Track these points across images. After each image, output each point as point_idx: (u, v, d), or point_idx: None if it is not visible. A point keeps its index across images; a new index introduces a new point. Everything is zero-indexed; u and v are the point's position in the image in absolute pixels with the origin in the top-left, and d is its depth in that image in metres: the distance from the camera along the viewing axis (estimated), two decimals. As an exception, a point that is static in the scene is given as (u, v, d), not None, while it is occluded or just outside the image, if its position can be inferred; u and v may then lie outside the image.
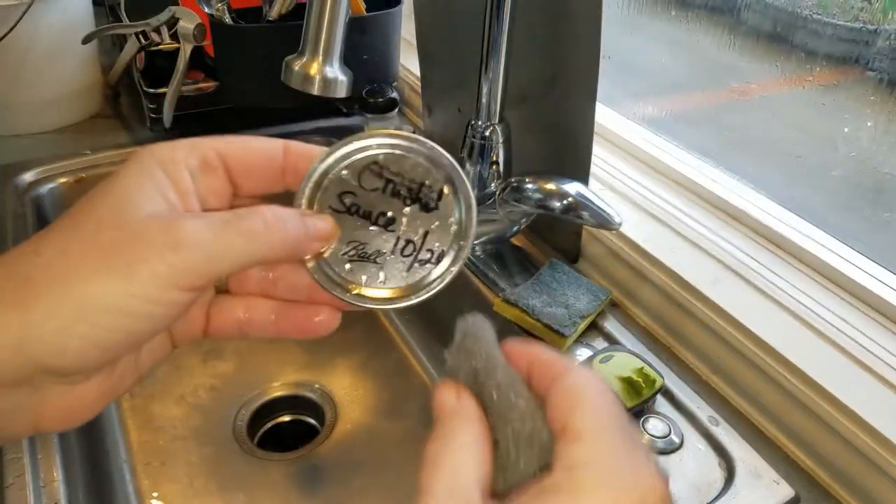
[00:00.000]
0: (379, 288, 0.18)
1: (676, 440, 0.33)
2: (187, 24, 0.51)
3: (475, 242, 0.44)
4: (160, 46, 0.54)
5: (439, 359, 0.47)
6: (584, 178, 0.41)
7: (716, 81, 0.48)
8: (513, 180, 0.39)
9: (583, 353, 0.38)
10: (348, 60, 0.32)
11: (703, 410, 0.34)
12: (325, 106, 0.57)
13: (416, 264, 0.18)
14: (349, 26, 0.32)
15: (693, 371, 0.37)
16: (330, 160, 0.18)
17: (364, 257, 0.18)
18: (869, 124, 0.38)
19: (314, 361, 0.47)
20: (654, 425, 0.33)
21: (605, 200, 0.37)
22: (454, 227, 0.18)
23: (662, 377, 0.35)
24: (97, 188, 0.16)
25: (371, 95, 0.55)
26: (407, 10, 0.58)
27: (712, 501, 0.30)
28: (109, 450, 0.41)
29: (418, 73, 0.55)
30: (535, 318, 0.38)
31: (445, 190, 0.18)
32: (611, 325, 0.40)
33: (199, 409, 0.44)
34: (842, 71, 0.39)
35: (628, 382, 0.34)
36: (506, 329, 0.39)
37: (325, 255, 0.18)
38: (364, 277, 0.18)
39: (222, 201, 0.17)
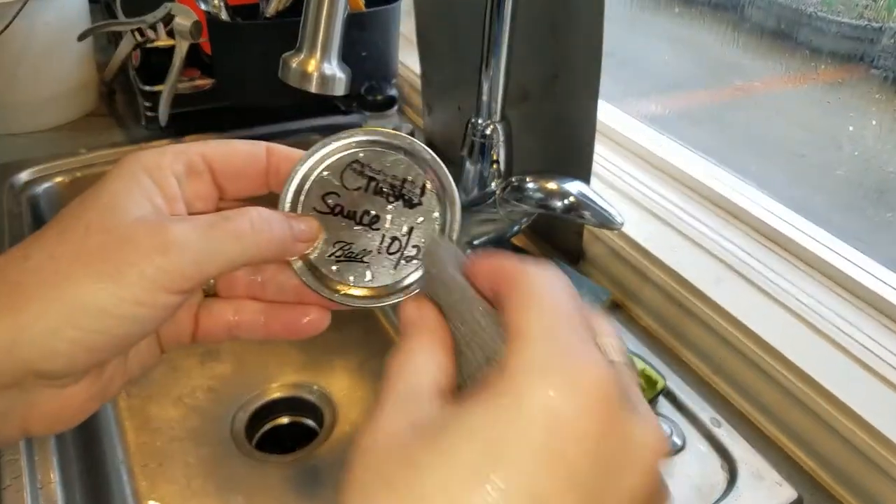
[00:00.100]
0: (367, 287, 0.18)
1: (678, 442, 0.33)
2: (183, 21, 0.51)
3: (476, 242, 0.44)
4: (156, 44, 0.54)
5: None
6: (585, 177, 0.40)
7: (719, 79, 0.47)
8: (513, 179, 0.39)
9: (584, 353, 0.37)
10: (347, 57, 0.32)
11: (705, 412, 0.34)
12: (324, 104, 0.56)
13: (403, 261, 0.18)
14: (348, 22, 0.31)
15: (695, 372, 0.37)
16: (310, 162, 0.18)
17: (351, 257, 0.18)
18: (873, 123, 0.38)
19: (313, 363, 0.47)
20: (656, 427, 0.33)
21: (606, 200, 0.36)
22: (439, 222, 0.18)
23: (664, 378, 0.35)
24: (85, 194, 0.16)
25: (370, 93, 0.55)
26: (406, 6, 0.57)
27: (715, 503, 0.30)
28: (107, 451, 0.41)
29: (418, 71, 0.55)
30: (536, 319, 0.37)
31: (428, 185, 0.18)
32: (612, 325, 0.39)
33: (197, 411, 0.44)
34: (846, 69, 0.38)
35: (630, 384, 0.34)
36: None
37: (312, 256, 0.18)
38: (351, 277, 0.18)
39: (208, 205, 0.18)
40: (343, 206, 0.18)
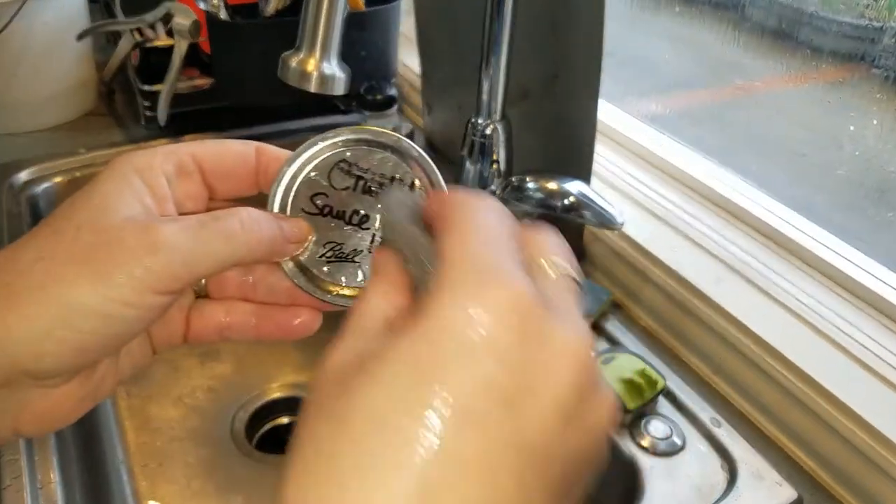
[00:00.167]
0: (359, 287, 0.18)
1: (678, 442, 0.33)
2: (182, 21, 0.51)
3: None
4: (155, 43, 0.54)
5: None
6: (585, 176, 0.40)
7: (720, 78, 0.47)
8: (513, 179, 0.39)
9: (584, 354, 0.37)
10: (346, 57, 0.32)
11: (705, 412, 0.34)
12: (323, 103, 0.56)
13: None
14: (347, 22, 0.31)
15: (695, 372, 0.37)
16: (297, 163, 0.18)
17: (342, 257, 0.18)
18: (874, 122, 0.37)
19: (312, 363, 0.47)
20: (656, 427, 0.33)
21: (606, 200, 0.36)
22: None
23: (664, 378, 0.34)
24: (76, 194, 0.16)
25: (369, 93, 0.55)
26: (406, 5, 0.57)
27: (715, 503, 0.30)
28: (107, 451, 0.41)
29: (417, 70, 0.55)
30: (536, 319, 0.37)
31: (417, 182, 0.18)
32: (612, 325, 0.39)
33: (197, 411, 0.44)
34: (847, 68, 0.38)
35: (630, 384, 0.34)
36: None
37: (302, 257, 0.18)
38: (343, 278, 0.18)
39: (199, 205, 0.18)
40: (332, 207, 0.18)
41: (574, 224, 0.42)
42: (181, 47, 0.51)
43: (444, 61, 0.51)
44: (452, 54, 0.49)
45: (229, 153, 0.18)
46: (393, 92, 0.58)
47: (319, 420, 0.12)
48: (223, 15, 0.53)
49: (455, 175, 0.43)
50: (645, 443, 0.33)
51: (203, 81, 0.55)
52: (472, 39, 0.38)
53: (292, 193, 0.18)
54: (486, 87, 0.38)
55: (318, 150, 0.18)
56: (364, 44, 0.55)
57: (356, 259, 0.18)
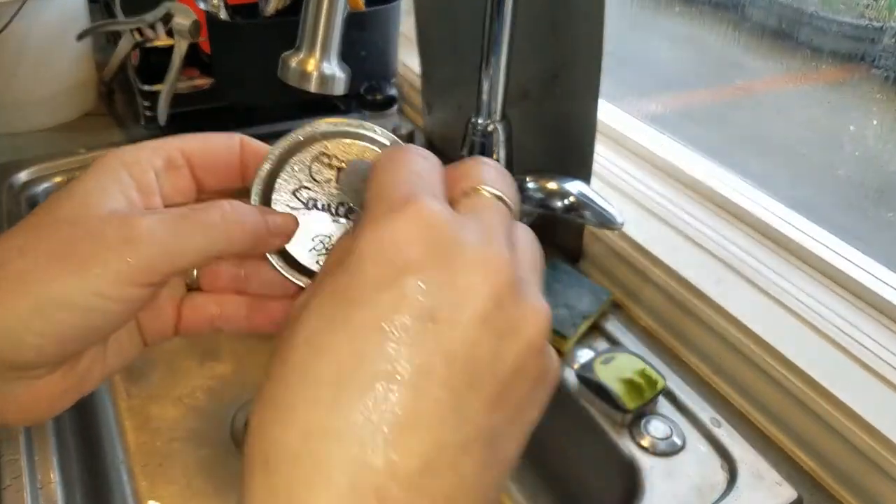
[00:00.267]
0: None
1: (678, 442, 0.33)
2: (182, 21, 0.51)
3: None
4: (155, 43, 0.53)
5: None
6: (586, 176, 0.40)
7: (720, 78, 0.47)
8: (513, 179, 0.39)
9: (584, 354, 0.37)
10: (346, 57, 0.31)
11: (705, 412, 0.34)
12: (323, 103, 0.56)
13: None
14: (347, 22, 0.31)
15: (695, 372, 0.37)
16: (277, 158, 0.18)
17: (331, 249, 0.18)
18: (875, 122, 0.37)
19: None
20: (656, 427, 0.33)
21: (607, 200, 0.36)
22: None
23: (664, 378, 0.34)
24: (61, 190, 0.16)
25: (369, 93, 0.55)
26: (406, 5, 0.57)
27: (714, 503, 0.30)
28: (107, 451, 0.41)
29: (417, 70, 0.55)
30: (536, 319, 0.37)
31: None
32: (612, 325, 0.39)
33: (197, 411, 0.44)
34: (847, 68, 0.38)
35: (630, 384, 0.34)
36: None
37: (292, 251, 0.18)
38: None
39: (188, 198, 0.18)
40: (317, 200, 0.18)
41: (574, 224, 0.42)
42: (181, 47, 0.51)
43: (444, 61, 0.51)
44: (452, 54, 0.49)
45: (216, 146, 0.18)
46: (393, 92, 0.58)
47: (273, 355, 0.14)
48: (223, 15, 0.53)
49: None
50: (645, 443, 0.33)
51: (203, 81, 0.55)
52: (472, 39, 0.38)
53: (274, 189, 0.18)
54: (486, 86, 0.38)
55: (297, 144, 0.18)
56: (364, 44, 0.55)
57: None
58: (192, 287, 0.19)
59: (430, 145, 0.56)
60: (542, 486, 0.40)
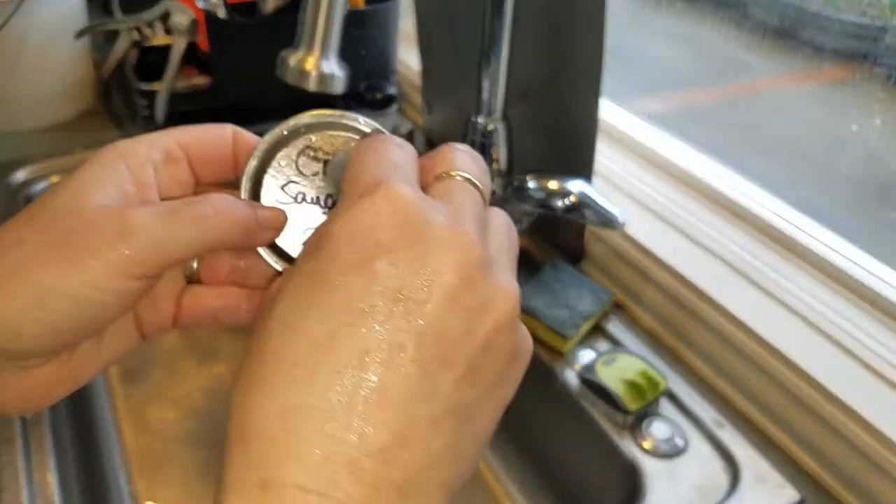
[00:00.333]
0: None
1: (680, 443, 0.32)
2: (181, 19, 0.50)
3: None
4: (153, 42, 0.53)
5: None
6: (587, 176, 0.40)
7: (722, 77, 0.47)
8: (514, 179, 0.39)
9: (586, 354, 0.37)
10: (346, 55, 0.31)
11: (707, 413, 0.34)
12: (322, 102, 0.56)
13: None
14: (347, 20, 0.31)
15: (698, 374, 0.37)
16: (264, 155, 0.18)
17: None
18: (877, 122, 0.37)
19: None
20: (658, 428, 0.33)
21: (608, 199, 0.36)
22: None
23: (666, 380, 0.34)
24: (57, 183, 0.16)
25: (369, 91, 0.54)
26: (406, 3, 0.57)
27: (717, 506, 0.30)
28: (104, 452, 0.40)
29: (417, 69, 0.54)
30: (537, 320, 0.37)
31: None
32: (614, 326, 0.39)
33: (195, 412, 0.43)
34: (850, 67, 0.38)
35: (632, 385, 0.34)
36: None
37: (284, 245, 0.18)
38: None
39: (186, 190, 0.18)
40: (305, 194, 0.18)
41: (575, 224, 0.42)
42: (179, 46, 0.51)
43: (444, 60, 0.51)
44: (452, 53, 0.49)
45: (211, 137, 0.18)
46: (392, 91, 0.57)
47: (251, 336, 0.14)
48: (222, 13, 0.53)
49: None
50: (647, 444, 0.33)
51: (201, 80, 0.54)
52: (472, 37, 0.38)
53: (263, 184, 0.18)
54: (486, 85, 0.38)
55: (282, 139, 0.18)
56: (364, 42, 0.54)
57: None
58: (193, 279, 0.19)
59: (430, 145, 0.56)
60: (543, 486, 0.40)
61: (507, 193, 0.39)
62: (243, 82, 0.53)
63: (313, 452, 0.12)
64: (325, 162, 0.18)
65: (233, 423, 0.13)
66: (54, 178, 0.51)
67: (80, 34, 0.54)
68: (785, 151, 0.43)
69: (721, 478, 0.31)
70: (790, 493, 0.30)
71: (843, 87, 0.39)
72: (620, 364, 0.35)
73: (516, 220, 0.42)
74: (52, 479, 0.30)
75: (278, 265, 0.18)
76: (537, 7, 0.39)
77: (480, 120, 0.39)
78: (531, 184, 0.37)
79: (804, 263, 0.38)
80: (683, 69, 0.50)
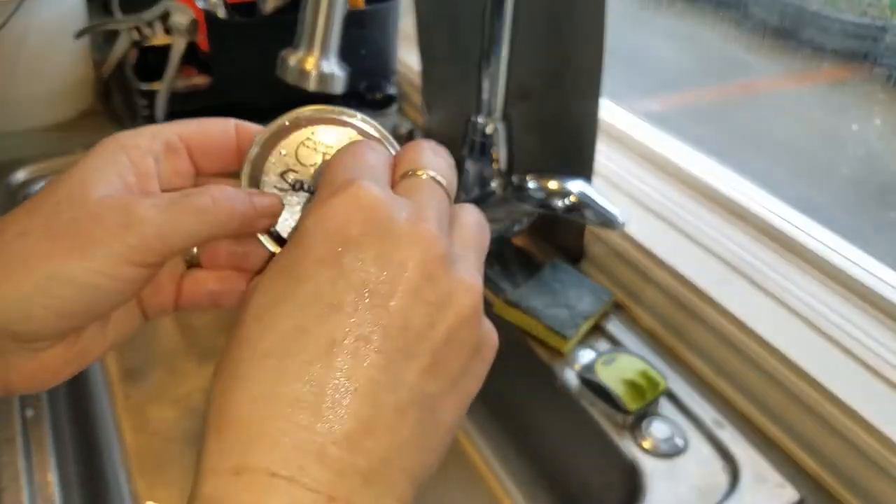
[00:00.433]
0: None
1: (680, 443, 0.33)
2: (181, 19, 0.50)
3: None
4: (153, 42, 0.53)
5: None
6: (587, 176, 0.40)
7: (722, 77, 0.47)
8: (514, 178, 0.39)
9: (585, 354, 0.37)
10: (346, 55, 0.31)
11: (707, 413, 0.34)
12: (322, 102, 0.56)
13: None
14: (347, 20, 0.31)
15: (697, 373, 0.37)
16: (266, 143, 0.18)
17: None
18: (877, 122, 0.37)
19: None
20: (658, 428, 0.33)
21: (608, 199, 0.36)
22: None
23: (666, 379, 0.34)
24: (62, 173, 0.17)
25: (369, 91, 0.54)
26: (406, 3, 0.57)
27: (717, 505, 0.30)
28: (104, 453, 0.41)
29: (417, 69, 0.54)
30: (537, 320, 0.37)
31: None
32: (614, 326, 0.39)
33: (195, 412, 0.44)
34: (849, 67, 0.38)
35: (632, 385, 0.34)
36: (504, 328, 0.39)
37: (280, 230, 0.18)
38: None
39: (186, 181, 0.19)
40: (303, 182, 0.19)
41: (575, 224, 0.42)
42: (179, 46, 0.51)
43: (444, 60, 0.51)
44: (452, 53, 0.49)
45: (212, 130, 0.19)
46: (392, 90, 0.57)
47: (230, 329, 0.15)
48: (221, 13, 0.53)
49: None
50: (646, 444, 0.33)
51: (201, 80, 0.54)
52: (472, 37, 0.38)
53: (263, 171, 0.18)
54: (486, 85, 0.38)
55: (284, 129, 0.19)
56: (363, 42, 0.54)
57: None
58: (193, 264, 0.19)
59: (430, 144, 0.56)
60: (543, 486, 0.40)
61: (507, 193, 0.39)
62: (243, 82, 0.53)
63: (283, 440, 0.13)
64: (324, 154, 0.19)
65: (210, 413, 0.14)
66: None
67: (80, 34, 0.54)
68: (785, 151, 0.43)
69: (721, 477, 0.31)
70: (790, 493, 0.30)
71: (843, 87, 0.39)
72: (620, 364, 0.35)
73: (516, 220, 0.42)
74: (52, 478, 0.30)
75: (276, 250, 0.18)
76: (537, 7, 0.39)
77: (480, 120, 0.39)
78: (531, 184, 0.38)
79: (804, 263, 0.38)
80: (683, 69, 0.50)
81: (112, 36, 0.55)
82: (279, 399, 0.13)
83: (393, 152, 0.19)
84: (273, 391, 0.13)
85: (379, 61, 0.57)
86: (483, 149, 0.40)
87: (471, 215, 0.17)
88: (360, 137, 0.19)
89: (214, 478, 0.13)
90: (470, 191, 0.42)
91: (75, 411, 0.38)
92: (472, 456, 0.42)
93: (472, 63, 0.38)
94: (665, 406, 0.34)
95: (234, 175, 0.19)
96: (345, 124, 0.19)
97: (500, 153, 0.40)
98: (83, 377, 0.44)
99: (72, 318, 0.16)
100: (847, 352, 0.33)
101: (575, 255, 0.44)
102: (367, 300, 0.14)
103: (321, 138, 0.19)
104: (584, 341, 0.38)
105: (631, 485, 0.32)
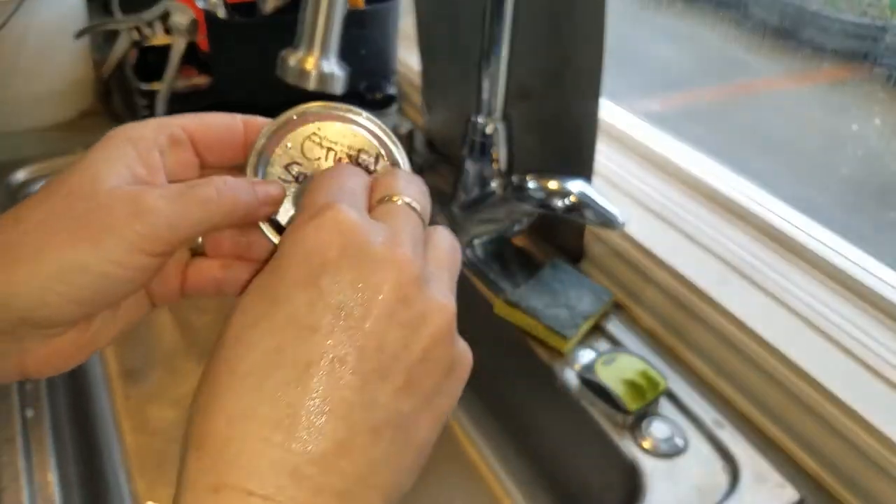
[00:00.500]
0: None
1: (680, 443, 0.33)
2: (181, 19, 0.50)
3: (476, 242, 0.44)
4: (153, 42, 0.53)
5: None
6: (587, 176, 0.40)
7: (722, 77, 0.47)
8: (514, 178, 0.39)
9: (585, 354, 0.37)
10: (346, 55, 0.31)
11: (707, 413, 0.34)
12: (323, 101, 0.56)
13: None
14: (347, 20, 0.31)
15: (697, 373, 0.37)
16: (272, 135, 0.19)
17: None
18: (877, 122, 0.37)
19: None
20: (658, 428, 0.33)
21: (608, 199, 0.36)
22: None
23: (666, 379, 0.34)
24: (73, 162, 0.17)
25: (369, 91, 0.54)
26: (406, 3, 0.57)
27: (716, 505, 0.30)
28: (104, 453, 0.40)
29: (417, 69, 0.54)
30: (537, 320, 0.37)
31: (382, 154, 0.20)
32: (614, 326, 0.39)
33: (196, 412, 0.43)
34: (850, 67, 0.38)
35: (631, 385, 0.34)
36: (504, 328, 0.39)
37: (283, 220, 0.19)
38: None
39: (191, 173, 0.19)
40: (307, 175, 0.19)
41: (575, 224, 0.42)
42: (179, 46, 0.51)
43: (444, 60, 0.51)
44: (453, 52, 0.49)
45: (217, 125, 0.19)
46: (392, 90, 0.57)
47: (213, 348, 0.15)
48: (221, 13, 0.53)
49: (455, 174, 0.43)
50: (646, 444, 0.33)
51: (201, 80, 0.54)
52: (472, 37, 0.38)
53: (269, 162, 0.19)
54: (486, 85, 0.38)
55: (291, 122, 0.19)
56: (364, 42, 0.54)
57: None
58: (197, 252, 0.20)
59: (430, 145, 0.56)
60: (543, 486, 0.40)
61: (507, 193, 0.39)
62: (243, 82, 0.53)
63: (260, 460, 0.13)
64: (329, 149, 0.19)
65: (190, 430, 0.14)
66: (54, 178, 0.51)
67: (80, 34, 0.54)
68: (784, 151, 0.43)
69: (721, 477, 0.31)
70: (790, 493, 0.30)
71: (843, 87, 0.39)
72: (620, 364, 0.35)
73: (516, 220, 0.42)
74: (52, 478, 0.30)
75: (276, 238, 0.19)
76: (537, 7, 0.39)
77: (480, 120, 0.39)
78: (531, 184, 0.38)
79: (804, 263, 0.38)
80: (683, 69, 0.50)
81: (112, 36, 0.55)
82: (257, 419, 0.14)
83: (396, 150, 0.19)
84: (251, 411, 0.14)
85: (379, 61, 0.57)
86: (483, 149, 0.40)
87: (444, 238, 0.18)
88: (364, 134, 0.19)
89: (193, 494, 0.13)
90: (470, 191, 0.42)
91: (75, 411, 0.38)
92: (471, 456, 0.42)
93: (472, 63, 0.38)
94: (665, 406, 0.34)
95: (237, 168, 0.19)
96: (350, 121, 0.19)
97: (500, 153, 0.40)
98: (83, 377, 0.44)
99: (85, 306, 0.17)
100: (847, 352, 0.33)
101: (575, 255, 0.44)
102: (342, 322, 0.14)
103: (326, 134, 0.19)
104: (584, 341, 0.38)
105: (631, 485, 0.32)
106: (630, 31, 0.50)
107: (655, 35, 0.50)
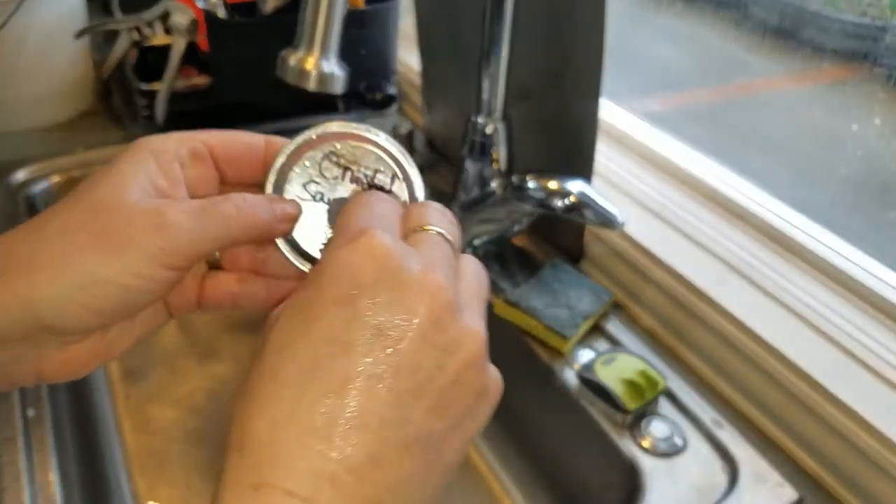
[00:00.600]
0: None
1: (679, 443, 0.33)
2: (181, 19, 0.50)
3: (476, 242, 0.44)
4: (153, 42, 0.53)
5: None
6: (587, 176, 0.40)
7: (722, 77, 0.47)
8: (514, 178, 0.39)
9: (585, 354, 0.37)
10: (346, 55, 0.31)
11: (706, 413, 0.34)
12: (322, 102, 0.56)
13: None
14: (347, 20, 0.31)
15: (696, 373, 0.37)
16: (291, 153, 0.19)
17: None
18: (877, 122, 0.37)
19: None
20: (657, 427, 0.33)
21: (608, 199, 0.36)
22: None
23: (665, 379, 0.34)
24: (95, 174, 0.18)
25: (369, 91, 0.54)
26: (406, 3, 0.57)
27: (716, 505, 0.30)
28: (106, 452, 0.41)
29: (417, 69, 0.54)
30: (537, 320, 0.37)
31: (398, 173, 0.20)
32: (613, 326, 0.39)
33: (196, 412, 0.44)
34: (849, 67, 0.38)
35: (631, 384, 0.34)
36: (504, 328, 0.39)
37: (299, 239, 0.19)
38: None
39: (210, 188, 0.19)
40: (324, 194, 0.20)
41: (575, 224, 0.42)
42: (179, 46, 0.51)
43: (444, 60, 0.51)
44: (452, 53, 0.49)
45: (238, 142, 0.20)
46: (392, 91, 0.57)
47: (253, 358, 0.16)
48: (221, 13, 0.53)
49: (455, 175, 0.43)
50: (646, 443, 0.33)
51: (201, 80, 0.54)
52: (472, 37, 0.38)
53: (287, 181, 0.19)
54: (486, 85, 0.38)
55: (311, 142, 0.19)
56: (364, 42, 0.54)
57: None
58: (215, 265, 0.20)
59: (430, 144, 0.56)
60: (543, 486, 0.40)
61: (507, 193, 0.39)
62: (243, 82, 0.53)
63: (300, 462, 0.14)
64: (346, 168, 0.20)
65: (232, 433, 0.15)
66: (54, 179, 0.51)
67: (80, 34, 0.54)
68: (784, 151, 0.43)
69: (720, 477, 0.31)
70: (789, 493, 0.30)
71: (843, 87, 0.39)
72: (620, 363, 0.35)
73: (516, 220, 0.42)
74: (53, 478, 0.30)
75: (291, 256, 0.19)
76: (537, 7, 0.39)
77: (480, 120, 0.39)
78: (531, 184, 0.38)
79: (803, 263, 0.38)
80: (683, 69, 0.50)
81: (112, 36, 0.55)
82: (298, 425, 0.14)
83: (411, 171, 0.20)
84: (292, 417, 0.14)
85: (379, 61, 0.57)
86: (483, 149, 0.40)
87: (472, 266, 0.18)
88: (381, 154, 0.20)
89: (234, 492, 0.14)
90: (470, 191, 0.42)
91: (76, 411, 0.38)
92: (471, 456, 0.42)
93: (472, 63, 0.38)
94: (664, 406, 0.34)
95: (258, 186, 0.19)
96: (368, 141, 0.20)
97: (500, 153, 0.40)
98: (84, 377, 0.44)
99: (104, 316, 0.17)
100: (847, 352, 0.33)
101: (575, 255, 0.44)
102: (379, 342, 0.15)
103: (344, 153, 0.19)
104: (584, 341, 0.38)
105: (630, 484, 0.32)
106: (630, 31, 0.50)
107: (655, 35, 0.50)
